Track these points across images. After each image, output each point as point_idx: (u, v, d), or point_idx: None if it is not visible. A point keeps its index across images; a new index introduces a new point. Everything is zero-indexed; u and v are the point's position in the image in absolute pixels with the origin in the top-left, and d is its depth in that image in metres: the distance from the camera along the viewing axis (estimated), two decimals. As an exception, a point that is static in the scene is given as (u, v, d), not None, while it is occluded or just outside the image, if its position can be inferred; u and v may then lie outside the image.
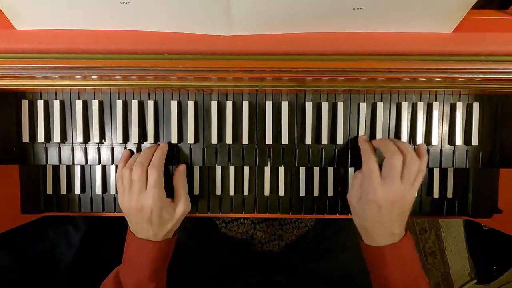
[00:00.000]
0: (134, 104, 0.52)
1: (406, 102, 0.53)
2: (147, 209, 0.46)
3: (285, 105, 0.53)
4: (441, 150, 0.54)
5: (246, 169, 0.55)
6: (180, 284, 0.69)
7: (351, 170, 0.55)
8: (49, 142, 0.54)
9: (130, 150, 0.53)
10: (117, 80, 0.45)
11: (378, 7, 0.37)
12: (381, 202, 0.43)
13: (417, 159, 0.45)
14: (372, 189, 0.44)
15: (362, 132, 0.53)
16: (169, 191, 0.50)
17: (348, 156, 0.54)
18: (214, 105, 0.53)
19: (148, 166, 0.47)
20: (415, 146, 0.54)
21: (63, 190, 0.56)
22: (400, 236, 0.46)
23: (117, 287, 0.48)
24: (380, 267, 0.46)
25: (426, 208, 0.57)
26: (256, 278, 0.70)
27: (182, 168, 0.52)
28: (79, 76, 0.44)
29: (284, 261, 0.73)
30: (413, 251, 0.47)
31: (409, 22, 0.40)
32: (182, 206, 0.50)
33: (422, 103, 0.53)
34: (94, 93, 0.53)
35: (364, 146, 0.49)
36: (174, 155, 0.54)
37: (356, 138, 0.53)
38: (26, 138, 0.53)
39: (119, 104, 0.52)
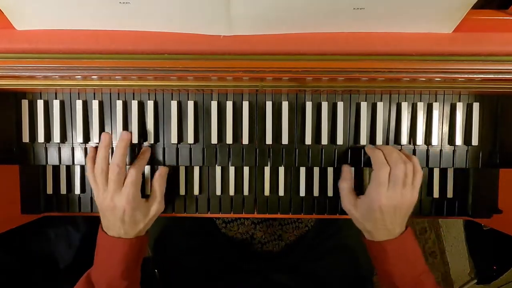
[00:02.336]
0: (134, 104, 0.52)
1: (406, 102, 0.53)
2: (120, 208, 0.46)
3: (285, 105, 0.53)
4: (441, 150, 0.54)
5: (246, 169, 0.55)
6: (180, 284, 0.69)
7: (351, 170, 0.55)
8: (49, 142, 0.54)
9: (96, 147, 0.51)
10: (117, 80, 0.45)
11: (378, 7, 0.37)
12: (385, 208, 0.45)
13: (419, 169, 0.47)
14: (378, 197, 0.45)
15: (362, 132, 0.53)
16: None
17: (348, 156, 0.54)
18: (214, 105, 0.53)
19: (123, 166, 0.47)
20: (415, 146, 0.54)
21: (63, 190, 0.56)
22: (400, 233, 0.47)
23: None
24: (383, 262, 0.48)
25: (426, 208, 0.57)
26: (256, 278, 0.70)
27: (163, 171, 0.52)
28: (79, 76, 0.44)
29: (284, 261, 0.73)
30: (415, 246, 0.48)
31: (409, 22, 0.40)
32: (156, 206, 0.50)
33: (422, 103, 0.53)
34: (94, 93, 0.53)
35: (375, 155, 0.48)
36: (174, 156, 0.54)
37: (356, 138, 0.53)
38: (26, 138, 0.53)
39: (119, 104, 0.52)
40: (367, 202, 0.47)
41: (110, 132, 0.53)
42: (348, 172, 0.52)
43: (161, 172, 0.52)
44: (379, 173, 0.46)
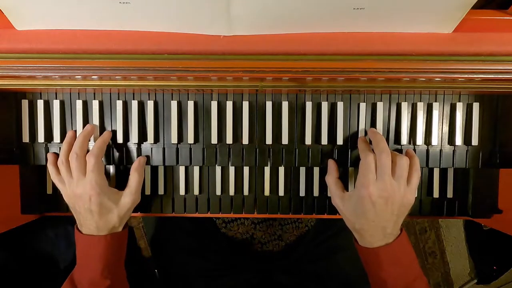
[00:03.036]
0: (134, 104, 0.52)
1: (406, 102, 0.53)
2: (86, 195, 0.46)
3: (285, 105, 0.53)
4: (441, 150, 0.54)
5: (246, 169, 0.55)
6: (180, 284, 0.69)
7: (351, 170, 0.55)
8: (49, 142, 0.54)
9: (54, 153, 0.52)
10: (117, 80, 0.45)
11: (378, 7, 0.37)
12: (374, 198, 0.42)
13: (404, 157, 0.45)
14: (366, 184, 0.43)
15: (362, 132, 0.53)
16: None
17: (348, 156, 0.54)
18: (214, 105, 0.53)
19: (81, 155, 0.47)
20: (415, 146, 0.54)
21: (63, 190, 0.56)
22: (394, 236, 0.45)
23: None
24: (376, 268, 0.45)
25: (426, 208, 0.57)
26: (256, 278, 0.70)
27: (142, 160, 0.52)
28: (79, 76, 0.44)
29: (284, 261, 0.73)
30: (409, 250, 0.46)
31: (409, 22, 0.40)
32: (130, 196, 0.49)
33: (422, 103, 0.53)
34: (94, 93, 0.53)
35: (362, 145, 0.49)
36: (174, 156, 0.54)
37: (356, 138, 0.53)
38: (26, 138, 0.53)
39: (119, 104, 0.52)
40: (356, 193, 0.45)
41: (111, 132, 0.53)
42: (332, 165, 0.51)
43: (140, 161, 0.51)
44: (364, 160, 0.45)
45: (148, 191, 0.55)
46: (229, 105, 0.53)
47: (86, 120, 0.53)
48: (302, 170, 0.56)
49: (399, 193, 0.44)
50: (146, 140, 0.53)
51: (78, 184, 0.47)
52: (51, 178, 0.51)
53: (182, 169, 0.55)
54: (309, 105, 0.53)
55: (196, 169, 0.55)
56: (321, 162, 0.54)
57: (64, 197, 0.50)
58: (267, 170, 0.55)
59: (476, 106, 0.53)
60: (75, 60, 0.41)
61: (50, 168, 0.50)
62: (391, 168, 0.44)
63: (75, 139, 0.49)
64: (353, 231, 0.48)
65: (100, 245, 0.47)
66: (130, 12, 0.38)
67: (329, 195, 0.55)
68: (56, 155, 0.52)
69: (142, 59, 0.41)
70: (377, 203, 0.43)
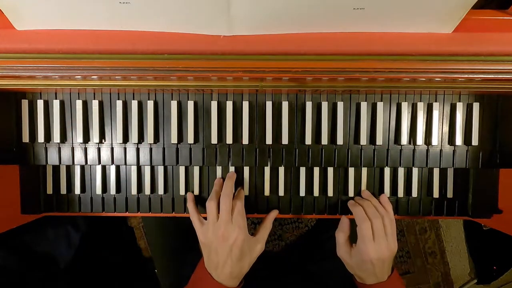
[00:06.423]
0: (134, 104, 0.52)
1: (406, 102, 0.53)
2: (232, 237, 0.47)
3: (285, 105, 0.53)
4: (441, 150, 0.54)
5: (246, 169, 0.55)
6: (180, 284, 0.69)
7: (351, 170, 0.55)
8: (49, 142, 0.54)
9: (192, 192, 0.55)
10: (117, 80, 0.45)
11: (378, 7, 0.37)
12: (374, 261, 0.49)
13: (392, 218, 0.51)
14: (366, 251, 0.49)
15: (362, 132, 0.53)
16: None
17: (348, 156, 0.54)
18: (214, 105, 0.53)
19: (232, 199, 0.49)
20: (415, 146, 0.54)
21: (63, 190, 0.56)
22: (387, 275, 0.52)
23: None
24: None
25: (426, 208, 0.57)
26: (256, 279, 0.70)
27: (275, 213, 0.55)
28: (79, 76, 0.44)
29: (285, 261, 0.73)
30: (401, 285, 0.53)
31: (409, 22, 0.40)
32: (262, 245, 0.52)
33: (422, 103, 0.53)
34: (94, 93, 0.53)
35: (356, 211, 0.51)
36: (174, 156, 0.54)
37: (356, 138, 0.53)
38: (26, 138, 0.53)
39: (119, 104, 0.52)
40: (359, 255, 0.50)
41: (110, 132, 0.53)
42: (346, 224, 0.54)
43: (274, 214, 0.55)
44: (362, 227, 0.49)
45: (148, 191, 0.55)
46: (229, 105, 0.53)
47: (86, 120, 0.53)
48: (302, 170, 0.56)
49: (391, 250, 0.50)
50: (146, 140, 0.53)
51: (226, 226, 0.47)
52: (190, 217, 0.52)
53: (182, 169, 0.55)
54: (309, 105, 0.53)
55: (196, 169, 0.55)
56: (321, 162, 0.54)
57: (201, 237, 0.50)
58: (267, 170, 0.55)
59: (476, 106, 0.53)
60: (75, 60, 0.41)
61: (191, 206, 0.52)
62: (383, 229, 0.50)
63: (221, 183, 0.52)
64: (355, 275, 0.54)
65: None
66: (130, 12, 0.38)
67: (328, 195, 0.55)
68: (195, 195, 0.54)
69: (142, 59, 0.41)
70: (376, 264, 0.50)
